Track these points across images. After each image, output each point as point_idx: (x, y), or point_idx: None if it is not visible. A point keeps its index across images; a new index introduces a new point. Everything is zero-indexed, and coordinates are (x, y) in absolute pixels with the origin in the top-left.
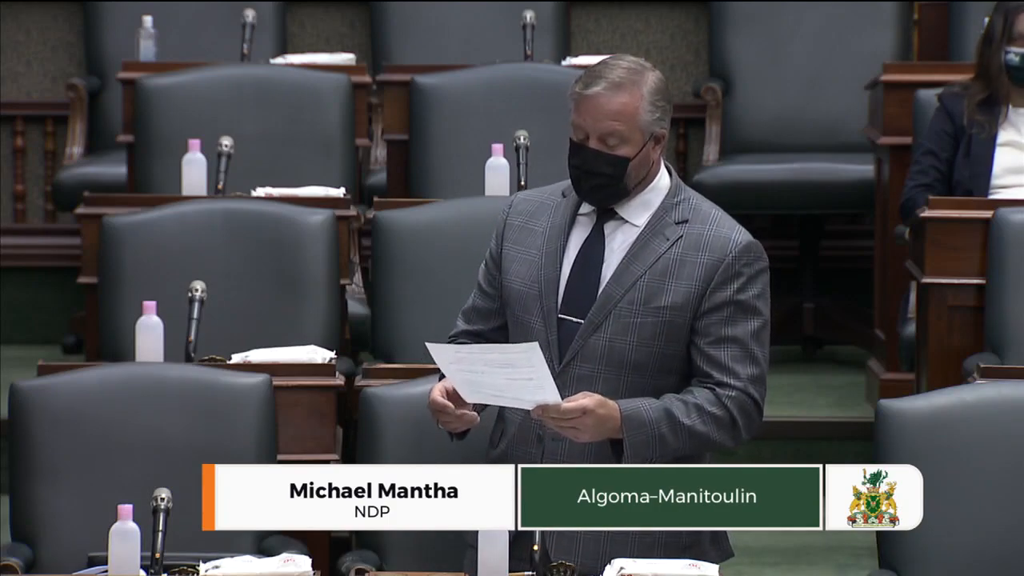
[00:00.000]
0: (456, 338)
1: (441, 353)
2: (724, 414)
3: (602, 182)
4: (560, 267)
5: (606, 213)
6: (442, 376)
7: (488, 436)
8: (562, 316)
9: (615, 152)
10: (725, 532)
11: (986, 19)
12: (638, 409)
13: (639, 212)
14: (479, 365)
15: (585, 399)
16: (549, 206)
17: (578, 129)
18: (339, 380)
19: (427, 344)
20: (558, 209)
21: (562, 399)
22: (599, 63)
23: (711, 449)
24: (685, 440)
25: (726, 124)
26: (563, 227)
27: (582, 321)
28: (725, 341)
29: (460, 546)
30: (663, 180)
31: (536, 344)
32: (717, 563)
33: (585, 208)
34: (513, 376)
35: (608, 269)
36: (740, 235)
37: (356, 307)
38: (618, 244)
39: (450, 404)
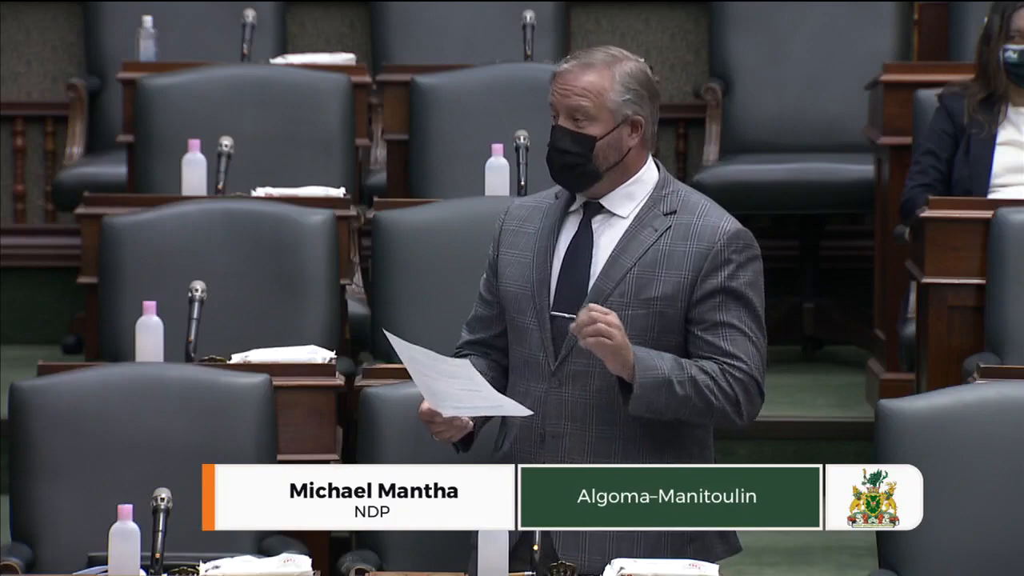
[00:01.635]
0: (461, 349)
1: (401, 348)
2: (727, 385)
3: (570, 161)
4: (550, 265)
5: (592, 207)
6: None
7: (492, 440)
8: (555, 313)
9: (583, 131)
10: None
11: (985, 18)
12: (649, 353)
13: (624, 204)
14: (431, 371)
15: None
16: (542, 209)
17: (552, 108)
18: (339, 380)
19: (386, 333)
20: (550, 211)
21: (559, 396)
22: (584, 49)
23: (714, 415)
24: (691, 391)
25: (726, 124)
26: (553, 226)
27: (574, 316)
28: (722, 326)
29: (460, 546)
30: (650, 173)
31: (468, 361)
32: (725, 557)
33: (574, 205)
34: (461, 387)
35: (597, 264)
36: (728, 223)
37: (356, 307)
38: (607, 238)
39: (438, 412)
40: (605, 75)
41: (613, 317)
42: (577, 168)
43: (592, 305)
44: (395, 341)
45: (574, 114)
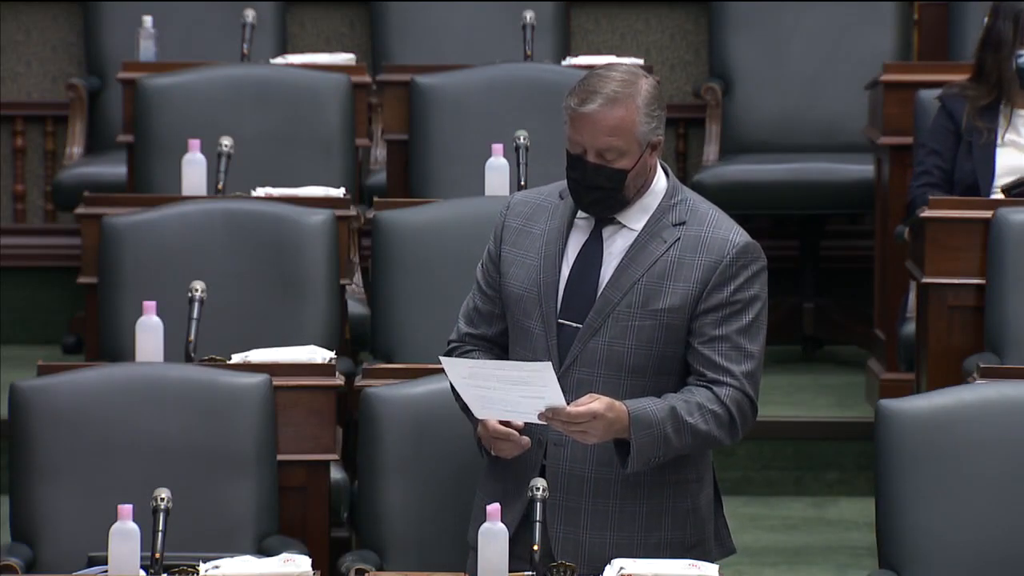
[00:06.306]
0: (462, 342)
1: (454, 367)
2: (723, 411)
3: (601, 196)
4: (559, 271)
5: (604, 218)
6: (458, 397)
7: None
8: (561, 321)
9: (613, 165)
10: (728, 529)
11: (984, 18)
12: (645, 410)
13: (637, 217)
14: (492, 381)
15: (594, 403)
16: (547, 208)
17: (575, 144)
18: (339, 380)
19: (441, 358)
20: (556, 212)
21: (568, 403)
22: (592, 75)
23: (711, 447)
24: (688, 439)
25: (726, 124)
26: (561, 231)
27: (581, 325)
28: (721, 340)
29: (460, 546)
30: (660, 182)
31: (549, 364)
32: (720, 559)
33: (583, 212)
34: (525, 394)
35: (606, 273)
36: (738, 236)
37: (356, 307)
38: (616, 248)
39: (514, 432)
40: (631, 107)
41: (584, 411)
42: (608, 200)
43: (560, 413)
44: (446, 362)
45: (605, 153)
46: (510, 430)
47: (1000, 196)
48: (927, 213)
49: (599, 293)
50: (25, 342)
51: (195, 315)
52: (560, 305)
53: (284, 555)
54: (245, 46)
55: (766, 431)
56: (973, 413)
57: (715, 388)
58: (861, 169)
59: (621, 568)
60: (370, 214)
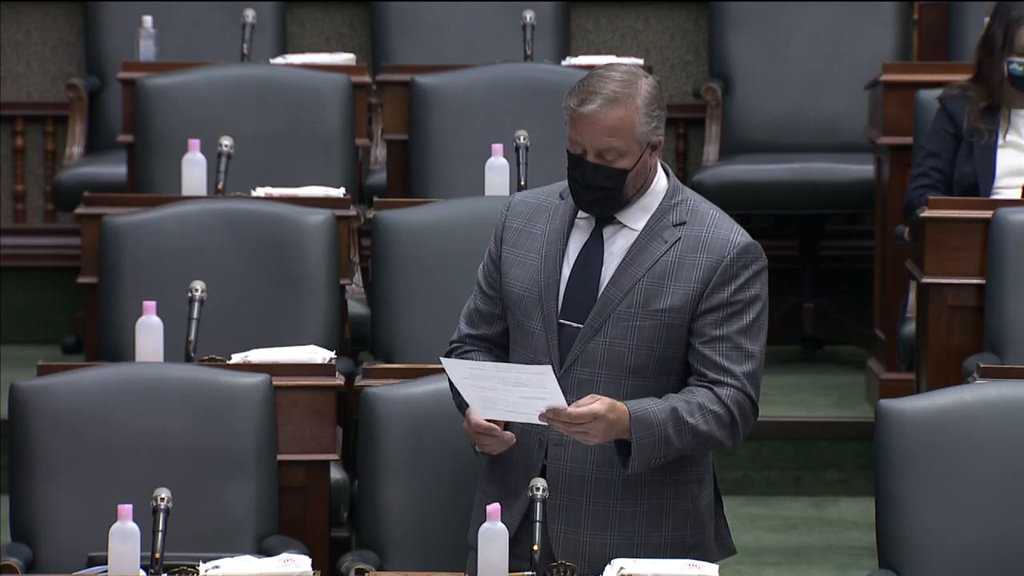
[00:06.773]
0: (462, 343)
1: (455, 368)
2: (724, 412)
3: (601, 195)
4: (560, 271)
5: (605, 218)
6: (455, 393)
7: None
8: (562, 321)
9: (613, 165)
10: (728, 529)
11: (985, 19)
12: (646, 411)
13: (638, 216)
14: (492, 382)
15: (595, 404)
16: (547, 208)
17: (575, 144)
18: (339, 380)
19: (441, 359)
20: (556, 212)
21: (569, 403)
22: (592, 76)
23: (712, 447)
24: (688, 439)
25: (726, 124)
26: (562, 231)
27: (581, 326)
28: (722, 340)
29: (460, 546)
30: (660, 182)
31: (549, 367)
32: (720, 559)
33: (584, 212)
34: (526, 395)
35: (607, 273)
36: (738, 236)
37: (356, 307)
38: (617, 248)
39: (496, 427)
40: (631, 108)
41: (585, 411)
42: (609, 200)
43: (561, 414)
44: (447, 363)
45: (605, 153)
46: (492, 425)
47: (1001, 196)
48: (927, 213)
49: (600, 293)
50: (25, 342)
51: (195, 315)
52: (561, 305)
53: (284, 555)
54: (245, 46)
55: (766, 431)
56: (973, 413)
57: (716, 388)
58: (861, 169)
59: (621, 568)
60: (370, 214)
